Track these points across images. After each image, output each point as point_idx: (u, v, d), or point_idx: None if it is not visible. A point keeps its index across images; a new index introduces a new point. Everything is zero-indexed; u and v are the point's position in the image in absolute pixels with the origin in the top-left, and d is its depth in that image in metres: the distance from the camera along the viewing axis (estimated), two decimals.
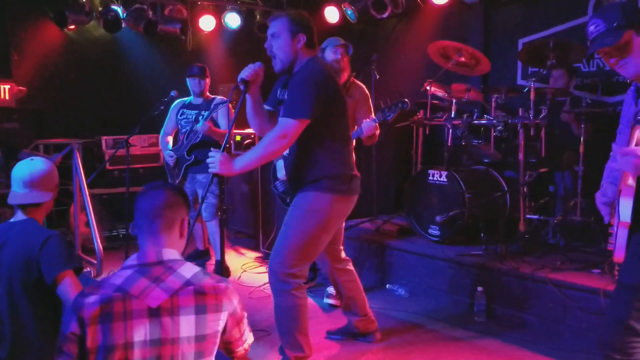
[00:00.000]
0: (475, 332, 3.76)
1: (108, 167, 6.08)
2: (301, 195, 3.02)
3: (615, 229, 2.11)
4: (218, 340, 1.82)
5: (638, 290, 2.08)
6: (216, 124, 4.78)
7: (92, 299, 1.68)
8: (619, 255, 2.10)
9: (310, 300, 4.30)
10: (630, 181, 2.01)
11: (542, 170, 4.52)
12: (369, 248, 4.83)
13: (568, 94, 4.78)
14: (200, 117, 4.79)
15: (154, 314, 1.70)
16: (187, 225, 1.96)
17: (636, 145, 1.86)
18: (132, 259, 1.81)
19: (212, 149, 2.91)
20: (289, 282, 2.98)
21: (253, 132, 5.21)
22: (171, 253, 1.83)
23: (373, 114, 4.10)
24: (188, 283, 1.76)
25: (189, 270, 1.81)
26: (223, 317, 1.81)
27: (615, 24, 2.07)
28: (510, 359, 3.39)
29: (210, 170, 2.82)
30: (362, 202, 5.57)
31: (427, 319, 3.99)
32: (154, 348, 1.69)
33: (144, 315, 1.69)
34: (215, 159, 2.79)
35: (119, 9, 6.37)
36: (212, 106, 4.80)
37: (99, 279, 3.78)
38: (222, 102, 4.58)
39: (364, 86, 4.27)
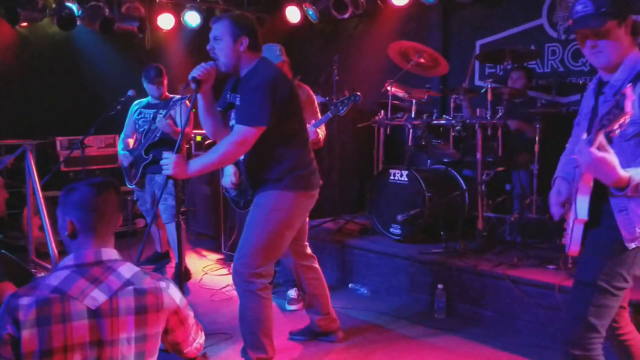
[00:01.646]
0: (436, 329, 3.81)
1: (63, 168, 5.92)
2: (263, 194, 3.00)
3: (571, 224, 2.15)
4: (159, 340, 1.79)
5: (595, 286, 2.12)
6: (175, 124, 4.70)
7: (26, 300, 1.61)
8: (574, 249, 2.16)
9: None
10: (589, 180, 2.06)
11: (499, 169, 4.62)
12: (331, 248, 4.85)
13: (524, 94, 4.90)
14: (159, 115, 4.71)
15: (94, 315, 1.66)
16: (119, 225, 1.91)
17: (599, 148, 1.90)
18: (69, 259, 1.74)
19: (167, 149, 2.86)
20: (254, 282, 2.96)
21: None
22: (110, 253, 1.78)
23: (320, 115, 4.13)
24: (128, 283, 1.73)
25: (129, 270, 1.76)
26: (164, 317, 1.78)
27: (603, 10, 2.08)
28: (469, 355, 3.44)
29: (163, 172, 2.78)
30: (325, 202, 5.61)
31: (389, 317, 4.02)
32: (94, 350, 1.65)
33: (83, 317, 1.64)
34: (169, 161, 2.75)
35: (73, 6, 6.19)
36: (170, 104, 4.72)
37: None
38: (181, 99, 4.50)
39: (309, 89, 4.29)
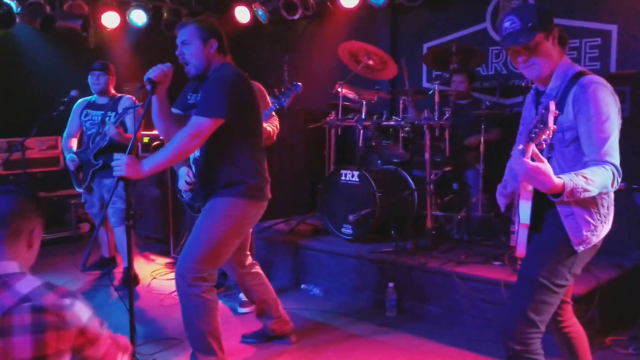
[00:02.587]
0: (387, 327, 3.88)
1: (2, 171, 5.71)
2: (215, 200, 2.98)
3: (517, 229, 2.22)
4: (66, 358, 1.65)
5: (537, 283, 2.19)
6: (125, 128, 4.60)
7: None
8: (521, 251, 2.22)
9: (223, 304, 4.26)
10: (529, 186, 2.13)
11: (447, 169, 4.74)
12: (284, 249, 4.85)
13: (469, 96, 5.04)
14: (107, 118, 4.60)
15: None
16: (39, 235, 1.80)
17: (533, 157, 1.98)
18: None
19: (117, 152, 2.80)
20: (199, 286, 2.93)
21: None
22: (10, 266, 1.66)
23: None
24: (24, 299, 1.59)
25: (28, 285, 1.64)
26: (68, 337, 1.63)
27: (530, 25, 2.15)
28: (419, 351, 3.51)
29: (115, 173, 2.72)
30: (277, 203, 5.58)
31: (341, 316, 4.06)
32: None
33: None
34: (120, 162, 2.70)
35: (12, 3, 5.94)
36: (119, 107, 4.61)
37: None
38: (133, 107, 4.40)
39: (259, 84, 4.29)
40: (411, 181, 4.75)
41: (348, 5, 5.85)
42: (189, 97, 3.09)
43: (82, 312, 1.67)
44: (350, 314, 4.11)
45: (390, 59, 4.96)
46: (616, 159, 2.06)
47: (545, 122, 1.89)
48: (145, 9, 6.83)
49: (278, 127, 4.16)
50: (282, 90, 4.06)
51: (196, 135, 2.76)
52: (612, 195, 2.22)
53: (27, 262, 1.75)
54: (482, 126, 4.58)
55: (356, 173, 4.66)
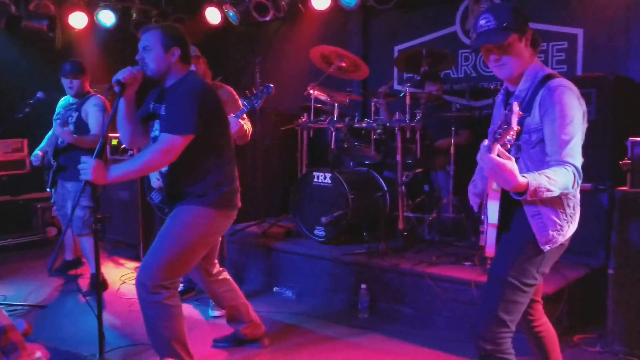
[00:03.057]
0: (360, 328, 3.88)
1: None
2: (183, 207, 2.93)
3: (486, 228, 2.24)
4: None
5: (506, 283, 2.22)
6: (86, 127, 4.51)
7: None
8: (490, 251, 2.24)
9: (194, 309, 4.23)
10: (495, 186, 2.15)
11: (418, 170, 4.78)
12: (256, 252, 4.82)
13: (440, 99, 5.09)
14: (70, 117, 4.52)
15: None
16: None
17: (499, 155, 1.99)
18: None
19: (75, 154, 2.75)
20: (160, 293, 2.85)
21: None
22: None
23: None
24: None
25: None
26: None
27: (504, 24, 2.18)
28: (392, 352, 3.53)
29: (81, 177, 2.67)
30: (249, 206, 5.57)
31: (314, 319, 4.05)
32: None
33: None
34: (87, 165, 2.65)
35: None
36: (85, 107, 4.52)
37: None
38: (70, 106, 4.33)
39: (230, 88, 4.29)
40: (383, 183, 4.78)
41: (319, 7, 5.86)
42: (151, 105, 3.02)
43: None
44: (324, 316, 4.10)
45: (362, 61, 4.98)
46: (577, 161, 2.09)
47: (509, 123, 1.91)
48: (114, 10, 6.73)
49: (250, 129, 4.15)
50: (254, 91, 4.05)
51: (167, 151, 2.74)
52: (578, 195, 2.26)
53: None
54: (453, 128, 4.63)
55: (328, 175, 4.66)
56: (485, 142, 2.02)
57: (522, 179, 1.97)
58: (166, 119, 2.84)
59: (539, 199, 2.10)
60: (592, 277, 3.85)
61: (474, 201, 2.50)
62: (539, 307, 2.50)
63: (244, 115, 4.12)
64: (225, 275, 3.43)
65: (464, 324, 3.65)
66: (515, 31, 2.19)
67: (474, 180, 2.53)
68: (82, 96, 4.61)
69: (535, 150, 2.20)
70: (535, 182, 1.99)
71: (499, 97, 2.46)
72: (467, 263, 3.99)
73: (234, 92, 4.27)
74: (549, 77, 2.21)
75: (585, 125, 2.20)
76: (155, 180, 3.32)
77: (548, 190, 2.01)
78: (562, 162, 2.07)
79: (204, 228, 2.93)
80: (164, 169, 2.96)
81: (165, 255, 2.86)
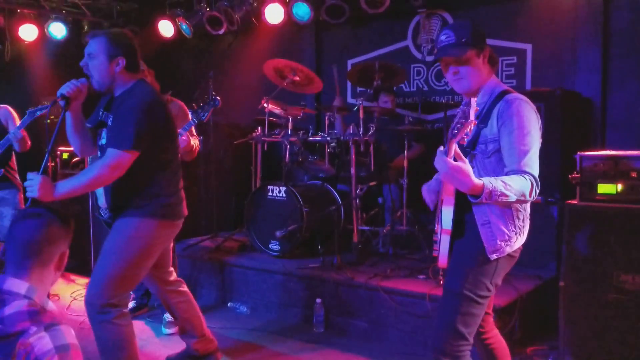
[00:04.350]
0: (315, 343, 3.86)
1: None
2: (123, 220, 2.87)
3: (439, 236, 2.28)
4: None
5: (462, 296, 2.25)
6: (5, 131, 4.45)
7: None
8: (443, 262, 2.28)
9: (146, 325, 4.14)
10: (451, 192, 2.19)
11: (372, 183, 4.80)
12: (210, 266, 4.75)
13: (392, 113, 5.14)
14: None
15: None
16: (67, 255, 1.81)
17: (455, 158, 2.03)
18: None
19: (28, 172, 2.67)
20: (110, 312, 2.80)
21: None
22: (19, 286, 1.68)
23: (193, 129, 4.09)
24: None
25: (14, 308, 1.64)
26: None
27: (463, 40, 2.25)
28: None
29: (27, 194, 2.59)
30: (202, 220, 5.50)
31: (268, 334, 4.01)
32: None
33: None
34: (33, 182, 2.57)
35: None
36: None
37: None
38: (40, 109, 4.25)
39: (181, 102, 4.26)
40: (337, 196, 4.79)
41: (273, 22, 5.86)
42: (100, 113, 2.97)
43: (43, 344, 1.62)
44: (278, 331, 4.06)
45: (315, 75, 5.00)
46: (535, 171, 2.15)
47: (467, 117, 1.94)
48: (65, 22, 6.61)
49: (197, 145, 4.11)
50: (201, 104, 4.01)
51: (115, 167, 2.69)
52: (528, 209, 2.31)
53: (51, 283, 1.76)
54: (405, 141, 4.67)
55: (283, 188, 4.64)
56: (442, 148, 2.05)
57: (477, 180, 2.02)
58: (114, 133, 2.78)
59: (490, 209, 2.15)
60: (544, 289, 3.92)
61: (428, 198, 2.54)
62: (490, 319, 2.53)
63: (193, 131, 4.08)
64: (184, 287, 3.38)
65: (418, 337, 3.67)
66: (473, 47, 2.26)
67: (429, 183, 2.58)
68: None
69: (490, 160, 2.25)
70: (491, 186, 2.03)
71: (462, 106, 2.51)
72: (421, 276, 4.01)
73: (185, 107, 4.22)
74: (506, 92, 2.28)
75: (540, 140, 2.26)
76: (102, 198, 3.26)
77: (503, 194, 2.04)
78: (520, 172, 2.13)
79: (146, 239, 2.87)
80: None
81: (110, 272, 2.80)
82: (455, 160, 2.04)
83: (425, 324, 3.64)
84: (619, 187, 3.06)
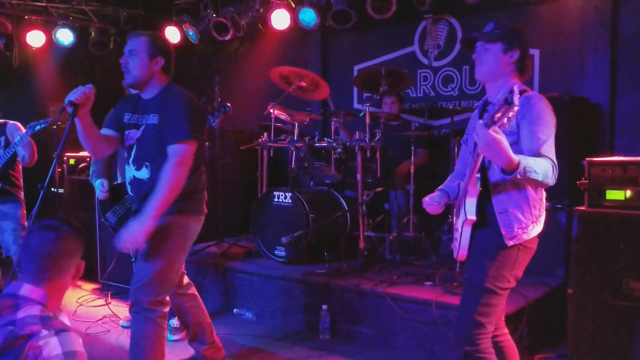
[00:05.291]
0: (321, 350, 3.83)
1: None
2: (160, 219, 2.86)
3: (460, 229, 2.38)
4: None
5: (483, 288, 2.35)
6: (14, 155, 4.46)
7: None
8: (462, 255, 2.40)
9: None
10: (475, 182, 2.29)
11: (378, 189, 4.78)
12: (216, 272, 4.74)
13: (398, 118, 5.13)
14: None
15: None
16: (82, 265, 1.87)
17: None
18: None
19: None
20: (155, 310, 2.90)
21: (88, 155, 4.87)
22: (34, 292, 1.72)
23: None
24: (10, 324, 1.65)
25: (27, 312, 1.69)
26: None
27: (496, 31, 2.40)
28: None
29: (123, 246, 2.71)
30: (208, 226, 5.46)
31: (274, 341, 3.99)
32: None
33: None
34: (130, 234, 2.70)
35: None
36: (6, 132, 4.46)
37: None
38: (42, 123, 4.24)
39: None
40: (343, 202, 4.77)
41: (279, 27, 5.87)
42: (126, 116, 3.02)
43: (54, 349, 1.66)
44: (284, 338, 4.04)
45: (322, 80, 4.99)
46: (554, 158, 2.23)
47: (510, 103, 1.95)
48: (72, 28, 6.67)
49: None
50: (211, 111, 4.01)
51: (183, 161, 2.79)
52: (544, 200, 2.40)
53: (65, 291, 1.82)
54: (412, 147, 4.65)
55: (289, 194, 4.63)
56: (481, 121, 2.07)
57: (514, 156, 2.06)
58: (170, 129, 2.83)
59: (508, 197, 2.29)
60: (552, 297, 3.88)
61: (431, 209, 2.60)
62: (501, 318, 2.58)
63: None
64: (194, 291, 3.42)
65: (424, 345, 3.64)
66: (502, 40, 2.38)
67: (433, 194, 2.64)
68: None
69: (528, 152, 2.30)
70: (525, 162, 2.09)
71: (477, 106, 2.59)
72: (427, 283, 3.98)
73: None
74: (524, 91, 2.36)
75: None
76: (99, 193, 3.25)
77: (535, 172, 2.11)
78: (542, 155, 2.20)
79: (182, 236, 2.97)
80: (140, 175, 2.94)
81: (156, 269, 2.88)
82: None
83: (432, 331, 3.61)
84: (628, 193, 3.04)
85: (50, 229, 1.80)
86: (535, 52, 5.03)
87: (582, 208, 3.16)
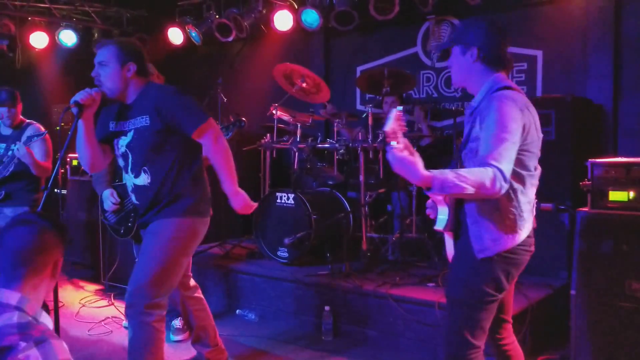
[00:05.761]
0: (323, 351, 3.83)
1: None
2: (160, 222, 2.90)
3: (444, 236, 2.34)
4: None
5: (461, 302, 2.24)
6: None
7: None
8: (450, 258, 2.34)
9: None
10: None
11: (381, 190, 4.78)
12: (218, 273, 4.75)
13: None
14: (11, 151, 4.34)
15: None
16: (60, 262, 1.76)
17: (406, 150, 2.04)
18: None
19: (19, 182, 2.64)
20: (152, 314, 2.84)
21: None
22: (11, 297, 1.60)
23: None
24: None
25: (4, 320, 1.56)
26: None
27: (453, 36, 2.43)
28: None
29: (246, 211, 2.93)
30: (211, 227, 5.46)
31: (276, 342, 3.99)
32: None
33: None
34: (241, 203, 2.93)
35: None
36: (23, 137, 4.37)
37: None
38: (37, 135, 4.18)
39: None
40: (346, 203, 4.77)
41: (282, 29, 5.88)
42: (111, 125, 2.97)
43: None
44: (286, 339, 4.04)
45: (324, 82, 4.99)
46: (503, 165, 2.07)
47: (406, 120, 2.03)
48: (75, 30, 6.68)
49: None
50: (226, 124, 3.99)
51: (216, 137, 2.84)
52: (524, 209, 2.24)
53: (46, 292, 1.70)
54: (415, 148, 4.64)
55: (291, 195, 4.63)
56: (393, 142, 2.06)
57: (426, 172, 2.02)
58: (184, 118, 2.82)
59: (480, 207, 2.19)
60: (555, 298, 3.87)
61: (434, 215, 2.51)
62: (509, 327, 2.50)
63: None
64: (199, 293, 3.40)
65: (428, 346, 3.64)
66: (457, 43, 2.35)
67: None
68: (19, 126, 4.42)
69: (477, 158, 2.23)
70: (441, 177, 2.00)
71: (467, 109, 2.53)
72: (430, 284, 3.98)
73: None
74: (498, 89, 2.25)
75: (541, 136, 2.26)
76: (108, 204, 3.23)
77: (457, 186, 2.00)
78: (485, 163, 2.08)
79: (185, 239, 2.92)
80: (142, 182, 2.91)
81: (154, 271, 2.83)
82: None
83: (434, 332, 3.60)
84: (631, 194, 3.03)
85: (24, 224, 1.69)
86: (538, 53, 5.02)
87: (585, 209, 3.15)
